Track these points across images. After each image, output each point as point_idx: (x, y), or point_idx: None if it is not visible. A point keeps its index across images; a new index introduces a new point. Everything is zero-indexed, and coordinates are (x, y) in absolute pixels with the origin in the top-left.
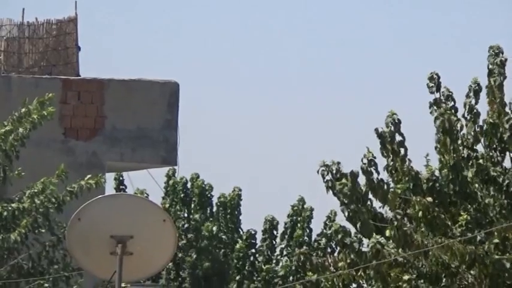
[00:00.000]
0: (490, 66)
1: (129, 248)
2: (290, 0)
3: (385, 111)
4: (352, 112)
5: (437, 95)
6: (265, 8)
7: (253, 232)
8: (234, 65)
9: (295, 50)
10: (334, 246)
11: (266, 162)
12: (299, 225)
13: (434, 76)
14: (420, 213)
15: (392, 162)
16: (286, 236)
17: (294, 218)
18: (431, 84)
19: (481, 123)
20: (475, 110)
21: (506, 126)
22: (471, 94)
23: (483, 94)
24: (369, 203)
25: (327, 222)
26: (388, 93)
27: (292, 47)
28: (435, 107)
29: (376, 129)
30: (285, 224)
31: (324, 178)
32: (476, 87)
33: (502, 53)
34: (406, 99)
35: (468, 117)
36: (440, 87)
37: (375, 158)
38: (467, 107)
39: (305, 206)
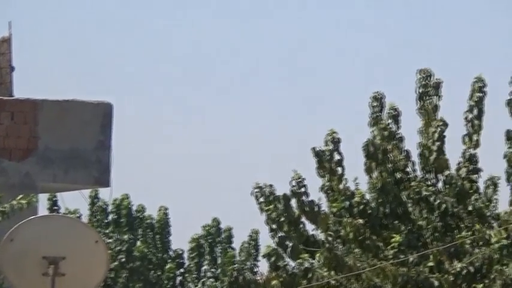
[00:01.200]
0: (421, 90)
1: (61, 269)
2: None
3: (317, 130)
4: (284, 130)
5: (379, 114)
6: (197, 35)
7: (180, 252)
8: (167, 86)
9: (221, 74)
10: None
11: (196, 181)
12: (219, 245)
13: (378, 96)
14: (351, 235)
15: (328, 182)
16: (209, 257)
17: (210, 237)
18: (374, 104)
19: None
20: (398, 135)
21: (434, 147)
22: (389, 120)
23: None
24: (301, 225)
25: (250, 241)
26: (323, 112)
27: (220, 73)
28: (375, 127)
29: (313, 148)
30: (203, 244)
31: (257, 200)
32: (395, 113)
33: (431, 76)
34: (348, 117)
35: (394, 142)
36: (384, 108)
37: (304, 179)
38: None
39: (223, 226)
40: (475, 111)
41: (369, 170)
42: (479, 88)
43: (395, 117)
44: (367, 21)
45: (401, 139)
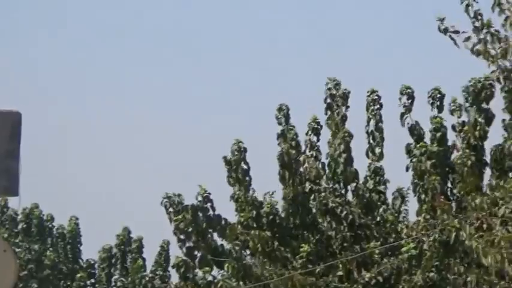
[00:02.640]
0: (328, 100)
1: None
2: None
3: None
4: (196, 142)
5: (285, 126)
6: (111, 44)
7: (92, 262)
8: (77, 97)
9: (131, 90)
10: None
11: (106, 191)
12: (130, 255)
13: (283, 107)
14: (259, 246)
15: (238, 191)
16: (119, 266)
17: (122, 247)
18: (279, 116)
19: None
20: (316, 147)
21: (341, 160)
22: (310, 132)
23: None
24: (209, 236)
25: (161, 252)
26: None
27: (129, 87)
28: (282, 139)
29: (225, 157)
30: (115, 254)
31: (166, 210)
32: (316, 126)
33: (339, 85)
34: (258, 128)
35: (309, 154)
36: (289, 119)
37: (209, 194)
38: (308, 144)
39: (133, 236)
40: (373, 124)
41: (283, 180)
42: (373, 101)
43: (316, 130)
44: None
45: (318, 151)
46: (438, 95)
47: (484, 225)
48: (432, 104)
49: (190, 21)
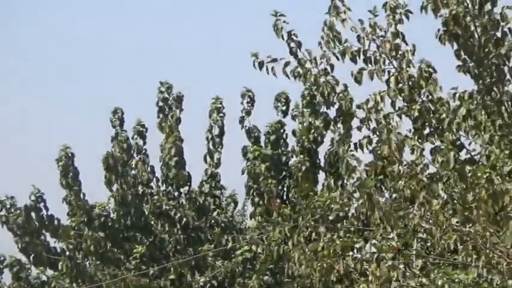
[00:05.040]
0: (161, 104)
1: None
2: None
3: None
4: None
5: (118, 129)
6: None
7: None
8: None
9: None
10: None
11: None
12: None
13: (118, 111)
14: (92, 248)
15: (69, 195)
16: None
17: None
18: (114, 119)
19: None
20: (143, 151)
21: (173, 162)
22: (136, 136)
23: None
24: (43, 237)
25: None
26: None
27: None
28: (115, 142)
29: (57, 160)
30: None
31: None
32: (141, 129)
33: (171, 88)
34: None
35: (138, 158)
36: (124, 123)
37: (43, 194)
38: (134, 147)
39: None
40: (216, 131)
41: (108, 183)
42: (217, 108)
43: (141, 133)
44: None
45: (146, 154)
46: (284, 99)
47: (313, 234)
48: (277, 107)
49: None
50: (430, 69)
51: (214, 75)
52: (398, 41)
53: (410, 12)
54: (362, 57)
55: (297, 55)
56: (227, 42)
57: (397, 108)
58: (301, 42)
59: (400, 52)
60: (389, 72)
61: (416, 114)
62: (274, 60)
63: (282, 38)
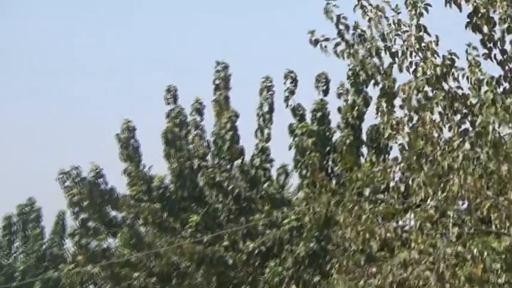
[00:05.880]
0: (217, 82)
1: None
2: None
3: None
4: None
5: (172, 106)
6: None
7: None
8: None
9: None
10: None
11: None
12: (30, 224)
13: (172, 88)
14: (150, 217)
15: (130, 167)
16: (20, 234)
17: (24, 216)
18: (168, 96)
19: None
20: (200, 126)
21: (228, 136)
22: (194, 112)
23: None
24: (103, 208)
25: (58, 221)
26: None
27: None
28: (170, 118)
29: (118, 135)
30: (15, 222)
31: (62, 184)
32: (199, 106)
33: (227, 68)
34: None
35: (195, 133)
36: (177, 100)
37: (102, 169)
38: (192, 123)
39: (34, 205)
40: (266, 108)
41: (167, 156)
42: (267, 87)
43: (199, 109)
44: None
45: (202, 129)
46: (324, 80)
47: (356, 207)
48: (317, 87)
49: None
50: (453, 57)
51: (261, 56)
52: (421, 33)
53: (430, 6)
54: (388, 53)
55: (345, 37)
56: (275, 26)
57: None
58: (348, 25)
59: (423, 44)
60: (416, 64)
61: (443, 100)
62: (327, 39)
63: (332, 20)
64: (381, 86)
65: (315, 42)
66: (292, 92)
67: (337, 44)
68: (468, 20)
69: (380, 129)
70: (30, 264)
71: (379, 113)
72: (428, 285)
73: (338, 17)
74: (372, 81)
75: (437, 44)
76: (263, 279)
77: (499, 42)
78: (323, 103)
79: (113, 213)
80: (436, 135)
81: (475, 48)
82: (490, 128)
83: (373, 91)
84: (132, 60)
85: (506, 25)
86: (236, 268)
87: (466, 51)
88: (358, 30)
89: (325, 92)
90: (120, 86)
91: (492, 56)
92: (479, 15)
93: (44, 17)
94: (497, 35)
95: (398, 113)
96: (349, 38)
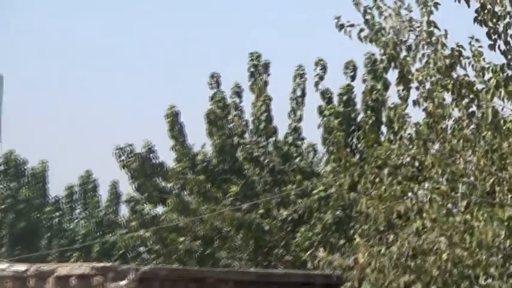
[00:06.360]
0: (252, 70)
1: None
2: None
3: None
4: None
5: (215, 90)
6: None
7: (58, 198)
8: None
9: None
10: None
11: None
12: (89, 193)
13: (215, 75)
14: (195, 188)
15: (176, 145)
16: (80, 202)
17: (84, 186)
18: (211, 82)
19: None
20: (239, 107)
21: (263, 117)
22: (234, 95)
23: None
24: (154, 179)
25: (112, 190)
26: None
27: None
28: (213, 101)
29: (166, 115)
30: (76, 191)
31: (119, 158)
32: (238, 89)
33: (260, 57)
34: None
35: (235, 113)
36: (220, 85)
37: (153, 146)
38: (232, 105)
39: (91, 177)
40: (298, 92)
41: (210, 134)
42: (300, 74)
43: (238, 93)
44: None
45: (241, 110)
46: (352, 67)
47: (377, 179)
48: (346, 73)
49: None
50: (461, 49)
51: (295, 47)
52: (431, 28)
53: (439, 4)
54: (404, 46)
55: (370, 25)
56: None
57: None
58: (374, 16)
59: (434, 38)
60: (428, 55)
61: (452, 86)
62: (352, 25)
63: (359, 11)
64: (399, 70)
65: (341, 27)
66: (321, 78)
67: (361, 30)
68: (476, 14)
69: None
70: (89, 229)
71: (399, 98)
72: (440, 249)
73: (365, 8)
74: (392, 67)
75: (446, 37)
76: (294, 243)
77: (502, 35)
78: (349, 87)
79: (163, 184)
80: (445, 115)
81: (477, 40)
82: (490, 111)
83: (392, 75)
84: (176, 53)
85: (506, 20)
86: (271, 233)
87: (470, 43)
88: (377, 25)
89: (353, 78)
90: (170, 74)
91: (496, 46)
92: (486, 10)
93: None
94: (501, 28)
95: (414, 96)
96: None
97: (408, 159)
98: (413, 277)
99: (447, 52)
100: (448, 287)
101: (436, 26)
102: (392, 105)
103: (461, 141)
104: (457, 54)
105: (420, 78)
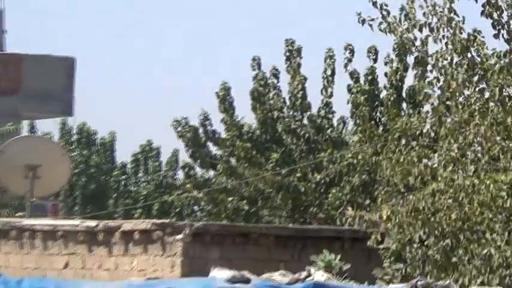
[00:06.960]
0: (288, 54)
1: (38, 174)
2: None
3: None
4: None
5: (257, 71)
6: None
7: (126, 163)
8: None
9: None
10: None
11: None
12: (151, 160)
13: (256, 58)
14: (242, 154)
15: (226, 117)
16: (143, 167)
17: (145, 154)
18: (253, 64)
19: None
20: (277, 87)
21: (299, 95)
22: (272, 76)
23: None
24: (206, 148)
25: (172, 157)
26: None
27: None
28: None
29: (217, 93)
30: (140, 158)
31: (176, 129)
32: (275, 71)
33: (294, 42)
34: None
35: (274, 92)
36: (261, 67)
37: (208, 114)
38: (271, 84)
39: (153, 146)
40: (329, 72)
41: (254, 109)
42: (330, 57)
43: (276, 74)
44: None
45: (279, 89)
46: (374, 51)
47: (397, 149)
48: (369, 57)
49: None
50: (476, 33)
51: (325, 33)
52: (451, 15)
53: None
54: (427, 28)
55: (387, 19)
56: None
57: (454, 62)
58: (389, 11)
59: (453, 22)
60: (447, 37)
61: (467, 66)
62: (372, 19)
63: (376, 7)
64: (415, 55)
65: (362, 22)
66: (350, 60)
67: (380, 23)
68: (482, 8)
69: (416, 90)
70: (150, 190)
71: (416, 78)
72: (450, 209)
73: (381, 5)
74: (408, 52)
75: (463, 23)
76: (326, 202)
77: (506, 25)
78: (373, 69)
79: (214, 151)
80: (458, 92)
81: (479, 32)
82: (497, 90)
83: (409, 59)
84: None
85: (510, 12)
86: (306, 194)
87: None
88: (397, 16)
89: (375, 60)
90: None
91: (500, 35)
92: (491, 4)
93: None
94: (505, 19)
95: (430, 76)
96: (390, 20)
97: (425, 130)
98: (428, 232)
99: (464, 35)
100: (459, 241)
101: (455, 13)
102: (413, 84)
103: (472, 113)
104: (472, 38)
105: (439, 57)
